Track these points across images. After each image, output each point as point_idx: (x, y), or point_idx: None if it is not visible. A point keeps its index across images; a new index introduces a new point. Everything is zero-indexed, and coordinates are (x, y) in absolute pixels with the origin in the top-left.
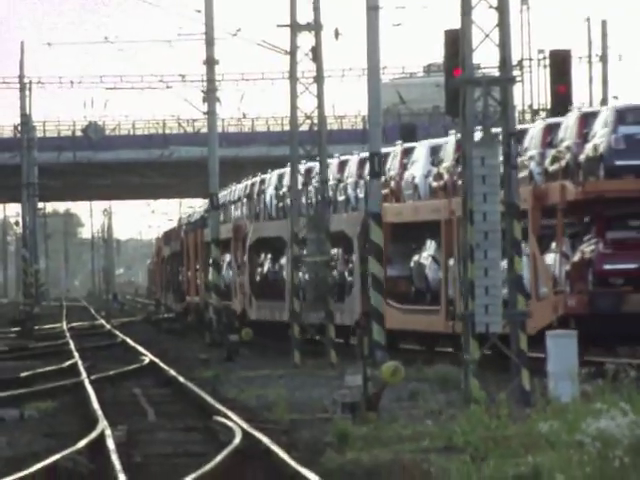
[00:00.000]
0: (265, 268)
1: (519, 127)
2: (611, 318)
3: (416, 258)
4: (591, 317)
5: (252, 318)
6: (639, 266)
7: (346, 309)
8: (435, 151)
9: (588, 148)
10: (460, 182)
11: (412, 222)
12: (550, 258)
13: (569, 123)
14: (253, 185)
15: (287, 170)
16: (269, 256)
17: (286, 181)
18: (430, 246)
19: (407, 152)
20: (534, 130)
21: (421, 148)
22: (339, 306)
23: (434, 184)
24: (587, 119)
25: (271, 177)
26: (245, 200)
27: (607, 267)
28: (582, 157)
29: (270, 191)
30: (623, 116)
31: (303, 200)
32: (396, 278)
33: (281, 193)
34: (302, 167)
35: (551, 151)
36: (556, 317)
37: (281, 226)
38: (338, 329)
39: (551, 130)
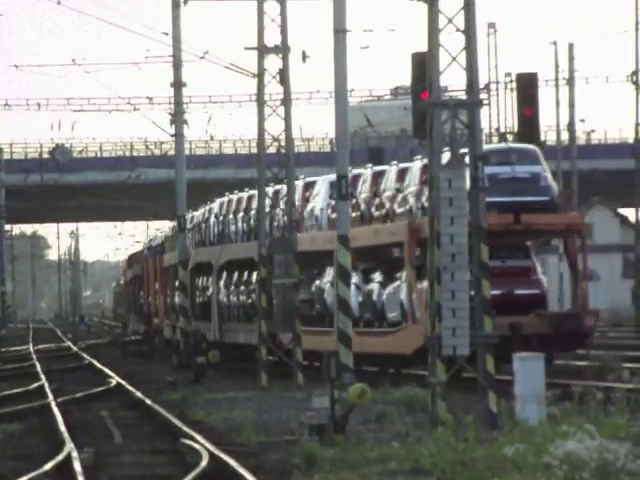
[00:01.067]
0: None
1: (380, 168)
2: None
3: (317, 283)
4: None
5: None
6: (503, 292)
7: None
8: (332, 186)
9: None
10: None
11: (313, 251)
12: (424, 285)
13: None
14: (204, 212)
15: (224, 200)
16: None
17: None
18: (329, 273)
19: (308, 186)
20: (414, 168)
21: (322, 182)
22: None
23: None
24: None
25: (213, 206)
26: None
27: None
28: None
29: (212, 219)
30: (487, 157)
31: (267, 224)
32: (303, 301)
33: (240, 217)
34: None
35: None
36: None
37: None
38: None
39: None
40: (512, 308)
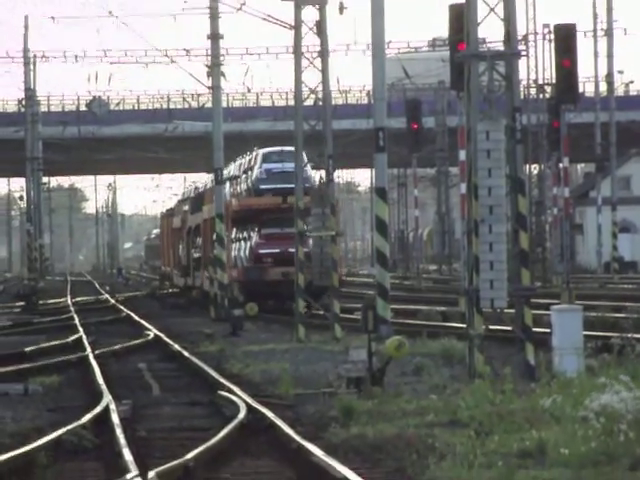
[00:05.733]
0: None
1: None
2: (259, 282)
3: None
4: (246, 283)
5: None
6: (280, 250)
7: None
8: (265, 157)
9: (248, 177)
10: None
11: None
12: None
13: (246, 159)
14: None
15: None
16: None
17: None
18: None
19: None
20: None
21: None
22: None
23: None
24: (252, 157)
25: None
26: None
27: (261, 251)
28: (245, 183)
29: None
30: (266, 156)
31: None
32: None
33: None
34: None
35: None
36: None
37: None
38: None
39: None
40: (287, 261)
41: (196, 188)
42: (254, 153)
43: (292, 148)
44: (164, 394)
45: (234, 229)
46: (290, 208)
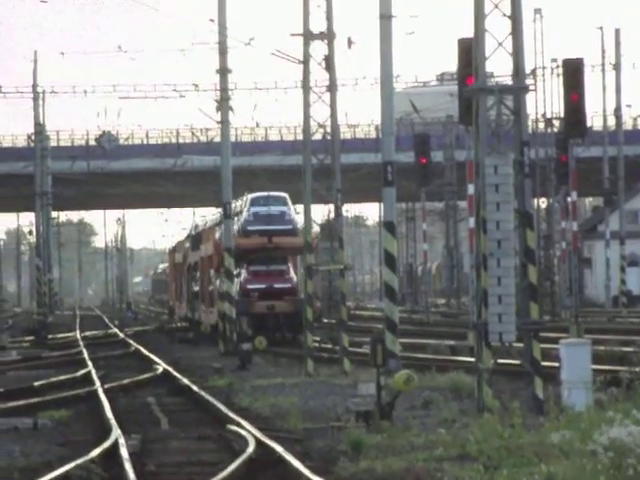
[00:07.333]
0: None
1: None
2: (247, 315)
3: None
4: (236, 315)
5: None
6: (265, 286)
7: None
8: (252, 202)
9: (238, 219)
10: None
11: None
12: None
13: (237, 203)
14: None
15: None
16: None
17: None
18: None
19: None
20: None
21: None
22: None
23: None
24: (242, 201)
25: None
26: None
27: (249, 286)
28: (236, 225)
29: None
30: (254, 201)
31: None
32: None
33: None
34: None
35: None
36: (219, 317)
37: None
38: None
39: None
40: (272, 296)
41: (196, 226)
42: (244, 198)
43: (278, 193)
44: (173, 428)
45: None
46: (275, 247)
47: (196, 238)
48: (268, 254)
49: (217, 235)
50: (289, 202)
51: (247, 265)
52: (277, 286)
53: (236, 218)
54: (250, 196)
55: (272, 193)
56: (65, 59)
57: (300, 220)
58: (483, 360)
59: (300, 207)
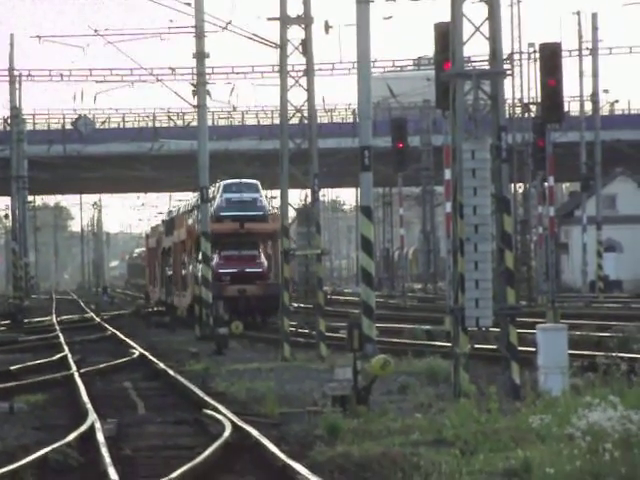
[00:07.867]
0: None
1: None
2: (220, 299)
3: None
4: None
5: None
6: (237, 270)
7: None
8: (225, 188)
9: (211, 205)
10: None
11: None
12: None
13: (210, 190)
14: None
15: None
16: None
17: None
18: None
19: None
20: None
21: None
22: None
23: None
24: (215, 187)
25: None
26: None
27: (220, 270)
28: (211, 209)
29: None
30: (227, 187)
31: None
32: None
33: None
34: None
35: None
36: (192, 299)
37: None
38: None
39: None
40: (243, 280)
41: (170, 212)
42: (217, 184)
43: (250, 180)
44: (149, 413)
45: (199, 251)
46: (247, 233)
47: (170, 223)
48: (240, 239)
49: (190, 221)
50: (260, 189)
51: (219, 250)
52: (248, 270)
53: (209, 204)
54: (223, 183)
55: (244, 180)
56: (42, 43)
57: (271, 206)
58: (460, 345)
59: (277, 192)
